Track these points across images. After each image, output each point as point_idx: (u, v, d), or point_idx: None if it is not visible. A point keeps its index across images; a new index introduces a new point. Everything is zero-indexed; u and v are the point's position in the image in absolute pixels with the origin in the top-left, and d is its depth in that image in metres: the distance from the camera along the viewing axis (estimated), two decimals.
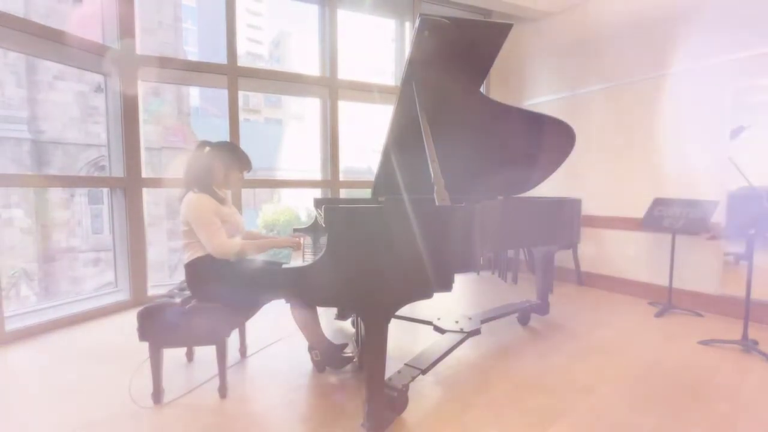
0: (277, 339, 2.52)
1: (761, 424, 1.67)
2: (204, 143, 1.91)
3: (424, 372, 1.83)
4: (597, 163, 3.86)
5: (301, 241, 2.12)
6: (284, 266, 1.61)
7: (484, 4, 4.18)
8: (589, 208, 3.82)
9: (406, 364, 1.85)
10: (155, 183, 3.68)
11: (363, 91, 4.20)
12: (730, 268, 3.03)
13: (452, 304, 3.26)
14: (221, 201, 1.88)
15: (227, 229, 1.88)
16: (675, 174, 3.28)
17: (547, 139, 2.34)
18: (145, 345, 1.75)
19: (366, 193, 3.10)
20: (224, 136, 3.49)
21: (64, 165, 11.21)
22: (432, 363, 1.90)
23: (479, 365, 2.22)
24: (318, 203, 2.61)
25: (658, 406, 1.79)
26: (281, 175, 15.62)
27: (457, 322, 2.41)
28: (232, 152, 1.95)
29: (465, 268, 1.61)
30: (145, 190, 3.36)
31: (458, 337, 2.20)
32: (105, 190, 10.48)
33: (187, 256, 1.85)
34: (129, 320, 2.36)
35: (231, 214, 1.93)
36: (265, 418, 1.69)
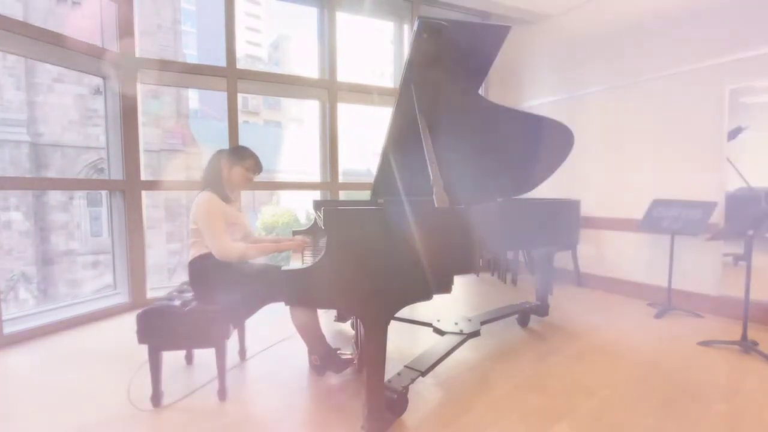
0: (276, 341, 2.52)
1: (761, 424, 1.67)
2: (221, 151, 2.01)
3: (423, 374, 1.83)
4: (596, 165, 3.87)
5: (306, 242, 2.11)
6: (283, 268, 1.62)
7: (483, 6, 4.20)
8: (588, 210, 3.83)
9: (405, 366, 1.85)
10: (154, 186, 3.68)
11: (362, 93, 4.21)
12: (729, 269, 3.03)
13: (452, 306, 3.26)
14: (227, 200, 1.94)
15: (235, 231, 1.94)
16: (673, 175, 3.29)
17: (546, 140, 2.35)
18: (145, 347, 1.75)
19: (365, 195, 3.10)
20: (223, 138, 3.50)
21: (63, 167, 11.21)
22: (432, 365, 1.89)
23: (479, 367, 2.21)
24: (317, 205, 2.61)
25: (657, 407, 1.79)
26: (281, 177, 15.60)
27: (456, 323, 2.41)
28: (237, 151, 2.02)
29: (464, 269, 1.61)
30: (144, 193, 3.35)
31: (458, 338, 2.20)
32: (104, 193, 10.47)
33: (192, 253, 1.88)
34: (128, 323, 2.36)
35: (239, 216, 1.99)
36: (264, 421, 1.69)
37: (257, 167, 2.06)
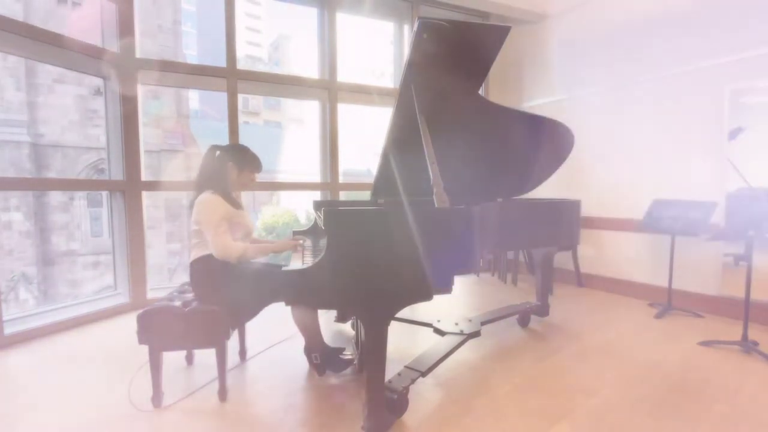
0: (276, 342, 2.52)
1: (761, 425, 1.67)
2: (215, 147, 1.97)
3: (424, 374, 1.83)
4: (596, 165, 3.86)
5: (301, 243, 2.12)
6: (284, 268, 1.62)
7: (483, 6, 4.20)
8: (588, 210, 3.83)
9: (406, 367, 1.85)
10: (155, 186, 3.68)
11: (362, 93, 4.21)
12: (730, 269, 3.03)
13: (452, 306, 3.26)
14: (234, 204, 1.92)
15: (238, 230, 1.92)
16: (674, 175, 3.29)
17: (546, 140, 2.35)
18: (145, 348, 1.75)
19: (365, 195, 3.10)
20: (224, 138, 3.50)
21: (64, 168, 11.21)
22: (432, 365, 1.89)
23: (479, 367, 2.21)
24: (317, 205, 2.62)
25: (658, 407, 1.79)
26: (281, 177, 15.61)
27: (457, 324, 2.41)
28: (242, 153, 2.00)
29: (465, 269, 1.61)
30: (144, 193, 3.35)
31: (458, 339, 2.20)
32: (104, 193, 10.48)
33: (194, 254, 1.88)
34: (128, 323, 2.36)
35: (243, 216, 1.97)
36: (264, 421, 1.69)
37: (260, 166, 2.07)
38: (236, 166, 1.95)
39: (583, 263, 4.01)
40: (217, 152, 1.94)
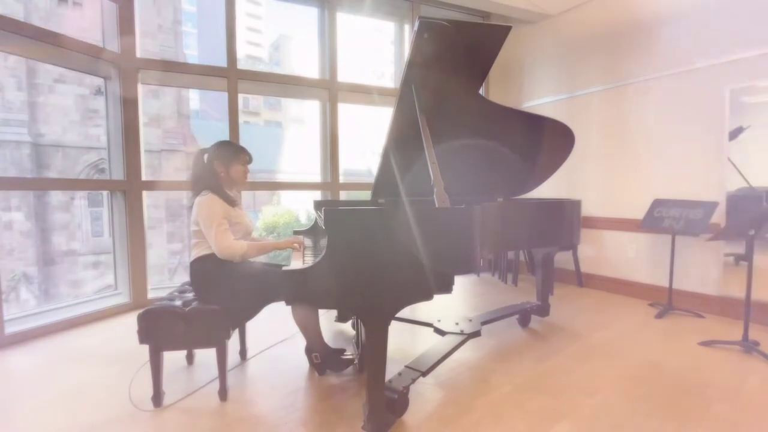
0: (276, 341, 2.52)
1: (762, 425, 1.67)
2: (202, 150, 1.99)
3: (424, 374, 1.83)
4: (596, 165, 3.86)
5: (302, 242, 2.13)
6: (284, 268, 1.62)
7: (483, 6, 4.20)
8: (588, 210, 3.83)
9: (406, 366, 1.85)
10: (155, 186, 3.68)
11: (363, 93, 4.21)
12: (730, 269, 3.02)
13: (452, 306, 3.26)
14: (231, 203, 1.93)
15: (237, 230, 1.93)
16: (674, 175, 3.29)
17: (547, 140, 2.35)
18: (145, 348, 1.75)
19: (366, 195, 3.11)
20: (224, 138, 3.50)
21: (64, 168, 11.22)
22: (432, 365, 1.89)
23: (480, 367, 2.21)
24: (318, 205, 2.62)
25: (658, 407, 1.79)
26: (281, 177, 15.62)
27: (457, 323, 2.41)
28: (225, 149, 2.00)
29: (465, 269, 1.61)
30: (145, 193, 3.36)
31: (458, 338, 2.20)
32: (105, 193, 10.49)
33: (194, 254, 1.88)
34: (129, 323, 2.36)
35: (241, 215, 1.98)
36: (265, 421, 1.69)
37: (250, 158, 2.06)
38: (222, 163, 1.96)
39: (583, 263, 4.01)
40: (205, 154, 1.96)
